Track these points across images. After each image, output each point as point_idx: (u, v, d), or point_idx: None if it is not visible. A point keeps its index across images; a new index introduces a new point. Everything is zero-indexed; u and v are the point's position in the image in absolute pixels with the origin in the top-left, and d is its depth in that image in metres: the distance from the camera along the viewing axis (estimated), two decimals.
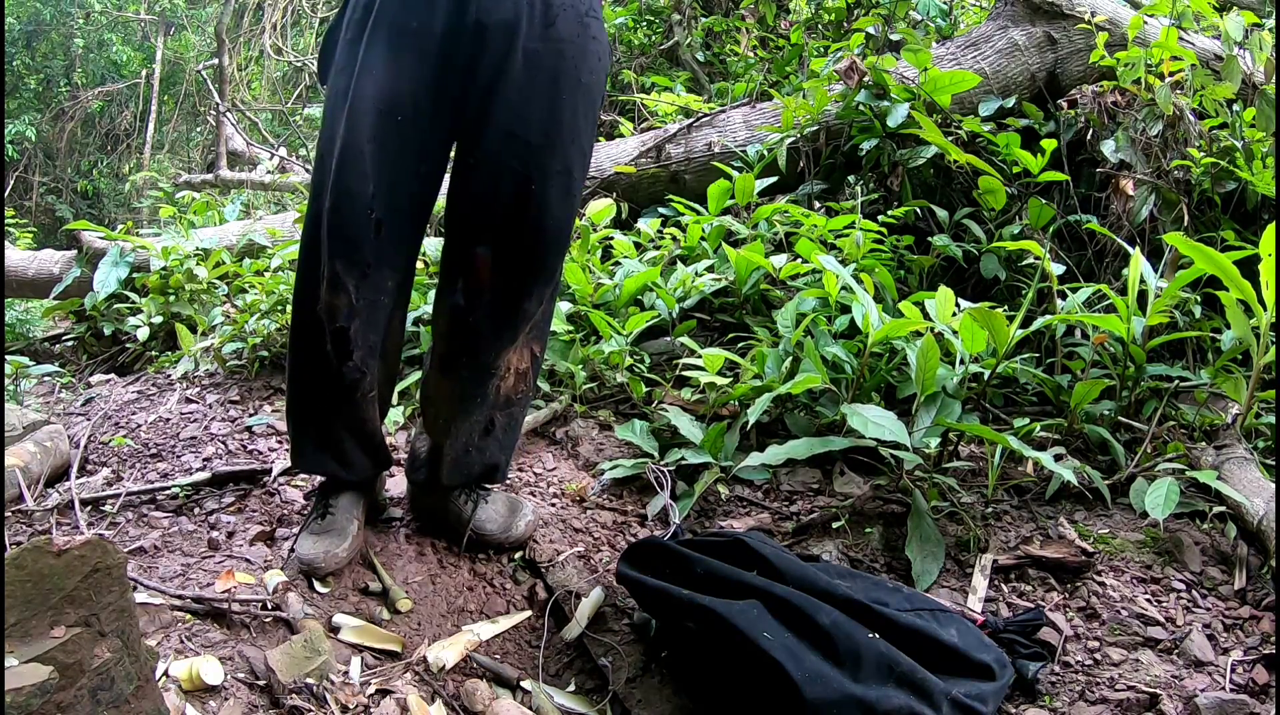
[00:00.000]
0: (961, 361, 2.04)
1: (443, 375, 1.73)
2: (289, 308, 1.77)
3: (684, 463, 2.00)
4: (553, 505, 1.98)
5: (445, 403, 1.75)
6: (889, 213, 2.81)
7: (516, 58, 1.58)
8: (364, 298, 1.63)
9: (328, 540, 1.70)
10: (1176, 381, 2.17)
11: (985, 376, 2.10)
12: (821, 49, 4.25)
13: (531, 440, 2.29)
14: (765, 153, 3.22)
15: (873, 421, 1.78)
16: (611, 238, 3.02)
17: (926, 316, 2.03)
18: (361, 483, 1.82)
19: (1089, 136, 2.88)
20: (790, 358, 2.18)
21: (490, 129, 1.59)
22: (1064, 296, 2.26)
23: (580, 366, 2.42)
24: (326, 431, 1.75)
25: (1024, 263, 2.70)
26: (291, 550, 1.73)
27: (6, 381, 3.01)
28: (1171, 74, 2.74)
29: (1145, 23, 2.94)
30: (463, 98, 1.61)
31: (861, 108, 3.03)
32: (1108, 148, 2.75)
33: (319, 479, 1.89)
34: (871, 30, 3.78)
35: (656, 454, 2.05)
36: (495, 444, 1.80)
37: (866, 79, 3.03)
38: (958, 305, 2.06)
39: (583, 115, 1.65)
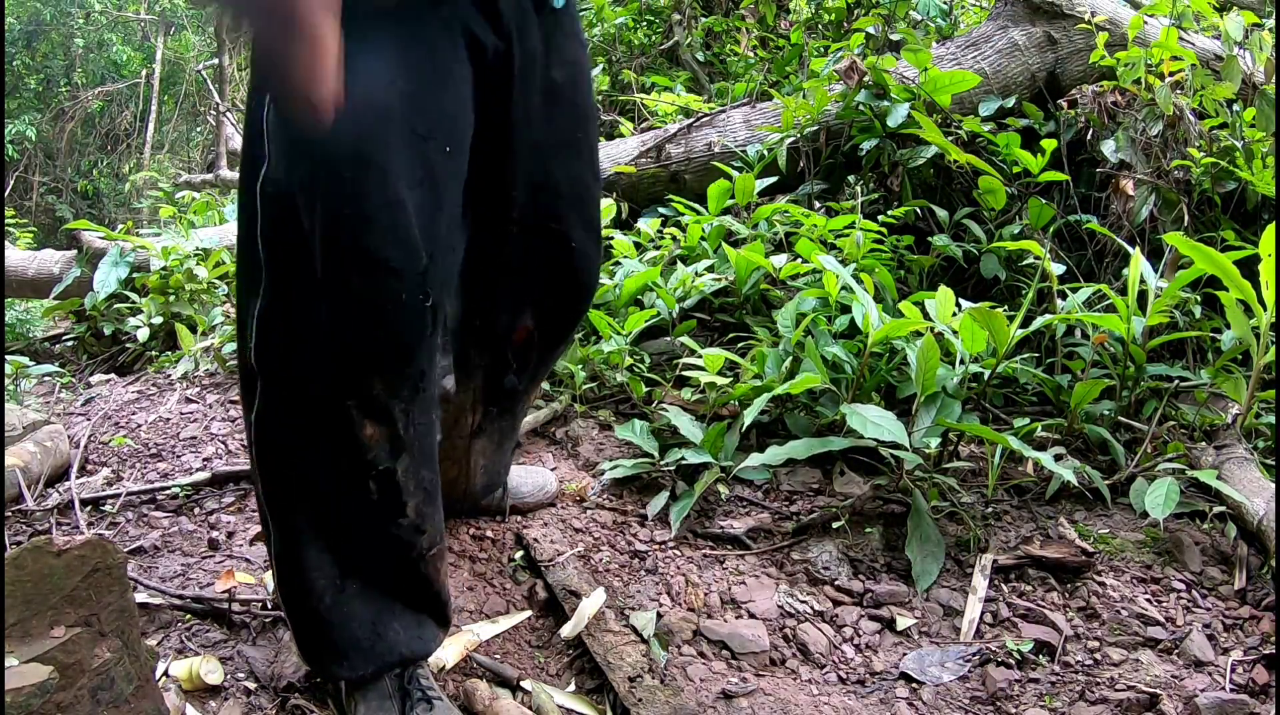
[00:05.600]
0: (961, 361, 2.04)
1: (476, 438, 1.65)
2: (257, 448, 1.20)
3: (684, 462, 2.00)
4: (553, 505, 1.98)
5: (481, 456, 1.71)
6: (889, 213, 2.81)
7: (536, 92, 1.27)
8: (416, 422, 1.18)
9: None
10: (1176, 381, 2.17)
11: (985, 376, 2.10)
12: (821, 49, 4.25)
13: (531, 440, 2.29)
14: (765, 153, 3.22)
15: (872, 421, 1.78)
16: (611, 238, 3.02)
17: (926, 316, 2.03)
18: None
19: (1089, 136, 2.88)
20: (790, 358, 2.18)
21: (519, 181, 1.32)
22: (1064, 296, 2.26)
23: (580, 366, 2.42)
24: (376, 612, 1.26)
25: (1024, 263, 2.70)
26: None
27: (6, 381, 3.01)
28: (1171, 74, 2.73)
29: (1145, 23, 2.94)
30: (482, 136, 1.22)
31: (861, 108, 3.02)
32: (1108, 148, 2.75)
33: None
34: (871, 30, 3.78)
35: (657, 454, 2.05)
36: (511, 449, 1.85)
37: (866, 79, 3.03)
38: (958, 305, 2.06)
39: (596, 144, 1.42)
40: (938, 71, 2.94)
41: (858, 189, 2.93)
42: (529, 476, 1.96)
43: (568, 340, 1.59)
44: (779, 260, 2.57)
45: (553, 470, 2.12)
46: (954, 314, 2.04)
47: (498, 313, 1.45)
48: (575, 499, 2.01)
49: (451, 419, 1.57)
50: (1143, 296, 2.06)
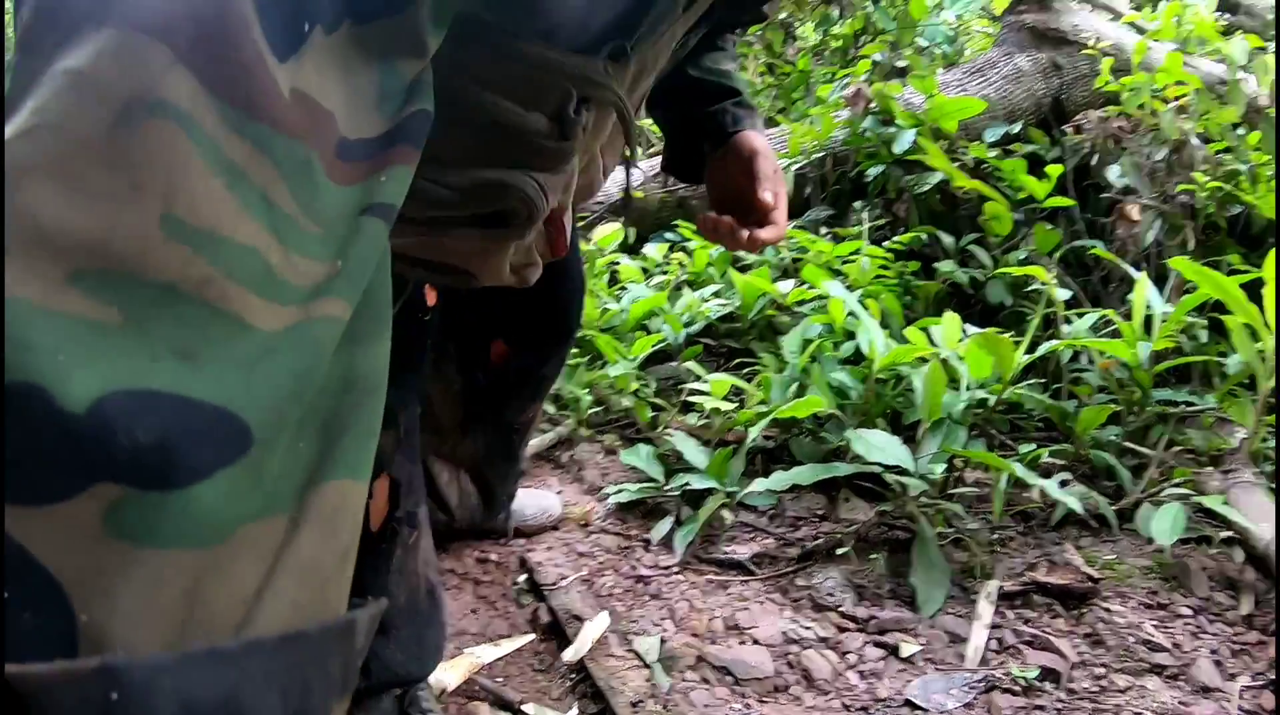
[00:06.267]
0: (967, 387, 2.04)
1: (466, 437, 1.59)
2: None
3: (689, 488, 2.00)
4: (556, 528, 1.99)
5: (469, 458, 1.65)
6: (895, 239, 2.82)
7: None
8: (409, 418, 1.08)
9: None
10: (1183, 406, 2.16)
11: (991, 402, 2.10)
12: (828, 75, 4.28)
13: (536, 464, 2.30)
14: None
15: (877, 447, 1.78)
16: (618, 262, 3.04)
17: (932, 342, 2.04)
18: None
19: (1094, 162, 2.89)
20: (796, 383, 2.19)
21: None
22: (1070, 322, 2.26)
23: (586, 390, 2.43)
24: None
25: (1030, 288, 2.70)
26: None
27: None
28: (1176, 99, 2.75)
29: (1149, 48, 2.96)
30: None
31: (868, 134, 3.05)
32: (1113, 173, 2.76)
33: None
34: (878, 57, 3.81)
35: (661, 479, 2.05)
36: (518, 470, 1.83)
37: (873, 105, 3.05)
38: (964, 331, 2.06)
39: None
40: (944, 98, 2.96)
41: (864, 215, 2.95)
42: (533, 499, 1.97)
43: (557, 353, 1.52)
44: (785, 286, 2.58)
45: (557, 493, 2.12)
46: (960, 340, 2.04)
47: (469, 330, 1.41)
48: (579, 523, 2.01)
49: (434, 416, 1.53)
50: (1149, 321, 2.05)
